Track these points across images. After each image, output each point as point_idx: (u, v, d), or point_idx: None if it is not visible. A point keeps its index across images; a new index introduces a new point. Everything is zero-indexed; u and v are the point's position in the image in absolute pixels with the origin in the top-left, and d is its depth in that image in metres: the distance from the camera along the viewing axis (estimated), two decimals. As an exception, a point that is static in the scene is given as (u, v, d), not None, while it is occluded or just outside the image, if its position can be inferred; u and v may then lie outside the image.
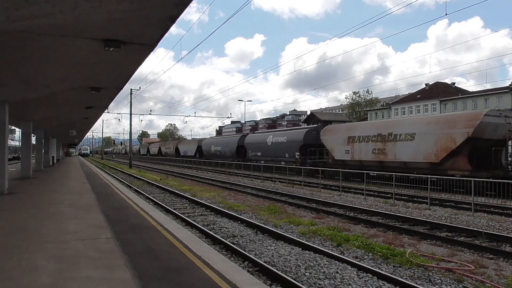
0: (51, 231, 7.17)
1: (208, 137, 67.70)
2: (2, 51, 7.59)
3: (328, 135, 26.81)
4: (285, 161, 30.77)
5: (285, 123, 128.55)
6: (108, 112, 54.96)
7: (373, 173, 19.95)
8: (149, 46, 7.64)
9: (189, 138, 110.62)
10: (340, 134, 25.16)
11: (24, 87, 11.50)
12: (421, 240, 8.99)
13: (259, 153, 35.50)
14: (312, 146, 29.00)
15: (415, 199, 15.48)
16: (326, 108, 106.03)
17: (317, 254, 7.45)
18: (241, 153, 39.39)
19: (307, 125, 52.75)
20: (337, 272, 6.38)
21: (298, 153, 29.36)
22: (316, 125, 43.16)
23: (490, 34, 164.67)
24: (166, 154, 64.40)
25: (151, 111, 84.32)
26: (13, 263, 5.16)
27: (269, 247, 8.08)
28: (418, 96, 65.55)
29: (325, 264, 6.82)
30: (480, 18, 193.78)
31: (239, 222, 10.98)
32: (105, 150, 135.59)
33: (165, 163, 55.24)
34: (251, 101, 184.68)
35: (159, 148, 71.64)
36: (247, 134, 44.88)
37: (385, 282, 5.96)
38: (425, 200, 14.40)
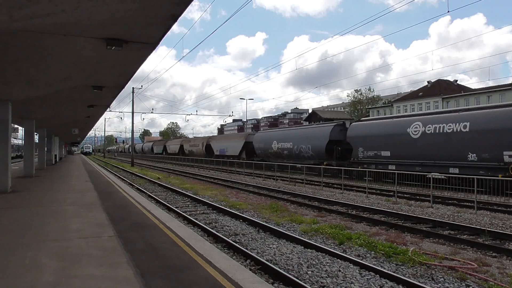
0: (54, 229, 7.20)
1: (261, 131, 47.35)
2: (5, 50, 7.62)
3: None
4: (464, 166, 17.16)
5: (287, 121, 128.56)
6: (110, 111, 55.21)
7: None
8: (151, 45, 7.64)
9: (191, 136, 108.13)
10: None
11: (27, 86, 11.53)
12: (424, 238, 8.97)
13: (385, 153, 21.52)
14: None
15: (418, 197, 15.45)
16: (327, 106, 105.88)
17: (319, 253, 7.45)
18: (334, 153, 25.36)
19: (309, 123, 50.15)
20: (339, 271, 6.38)
21: None
22: None
23: (493, 31, 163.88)
24: (191, 154, 52.46)
25: (153, 109, 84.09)
26: (17, 261, 5.18)
27: (271, 246, 8.08)
28: (420, 93, 65.39)
29: (327, 263, 6.82)
30: (483, 15, 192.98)
31: (241, 220, 11.00)
32: (108, 148, 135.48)
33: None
34: (252, 99, 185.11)
35: (181, 146, 59.05)
36: (350, 121, 27.96)
37: (387, 281, 5.95)
38: (427, 198, 14.37)
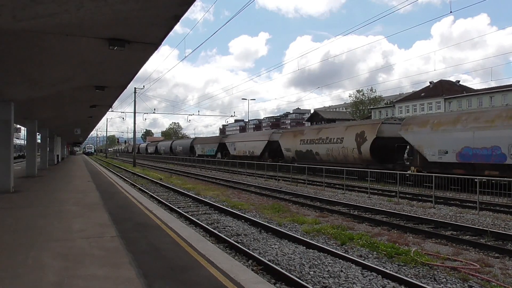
0: (56, 230, 7.22)
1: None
2: (8, 50, 7.65)
3: None
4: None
5: (289, 121, 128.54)
6: (112, 111, 55.12)
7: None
8: (153, 45, 7.65)
9: (193, 137, 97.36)
10: None
11: (30, 86, 11.57)
12: (426, 239, 8.96)
13: None
14: None
15: (420, 197, 15.42)
16: (329, 106, 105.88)
17: (321, 253, 7.45)
18: None
19: (311, 124, 49.73)
20: (342, 271, 6.38)
21: None
22: None
23: (497, 32, 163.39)
24: (313, 157, 27.14)
25: (155, 109, 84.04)
26: (20, 261, 5.20)
27: (273, 246, 8.08)
28: (422, 94, 65.26)
29: (329, 263, 6.81)
30: (487, 15, 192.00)
31: (243, 220, 11.00)
32: (114, 148, 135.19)
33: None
34: (254, 99, 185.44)
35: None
36: None
37: (389, 281, 5.94)
38: (429, 199, 14.34)
